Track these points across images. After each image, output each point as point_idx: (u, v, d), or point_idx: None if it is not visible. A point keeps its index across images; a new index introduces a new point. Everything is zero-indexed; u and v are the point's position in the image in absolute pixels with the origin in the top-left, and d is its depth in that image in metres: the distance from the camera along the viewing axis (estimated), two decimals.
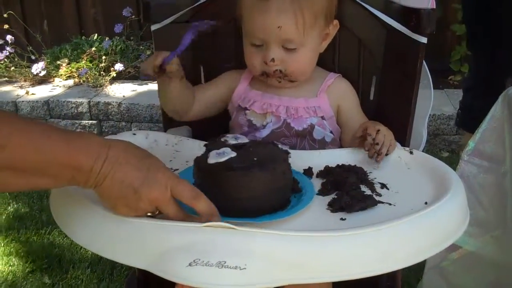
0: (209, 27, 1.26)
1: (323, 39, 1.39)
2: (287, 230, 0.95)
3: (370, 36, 1.41)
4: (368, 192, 1.12)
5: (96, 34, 4.47)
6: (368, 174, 1.19)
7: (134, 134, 1.32)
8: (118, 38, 4.35)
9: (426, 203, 1.07)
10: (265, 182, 1.04)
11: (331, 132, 1.42)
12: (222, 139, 1.11)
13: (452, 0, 3.83)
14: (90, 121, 3.89)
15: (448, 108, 3.47)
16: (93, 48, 4.13)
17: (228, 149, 1.06)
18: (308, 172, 1.19)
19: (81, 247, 2.53)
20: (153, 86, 4.14)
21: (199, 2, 1.47)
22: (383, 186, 1.15)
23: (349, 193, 1.09)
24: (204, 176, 1.05)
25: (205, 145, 1.12)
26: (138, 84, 4.14)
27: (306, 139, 1.39)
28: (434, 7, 1.30)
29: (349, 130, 1.40)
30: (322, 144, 1.40)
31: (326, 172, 1.19)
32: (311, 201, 1.08)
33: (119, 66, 4.04)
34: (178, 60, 1.29)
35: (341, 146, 1.42)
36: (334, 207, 1.07)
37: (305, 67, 1.37)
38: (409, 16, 1.31)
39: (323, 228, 0.99)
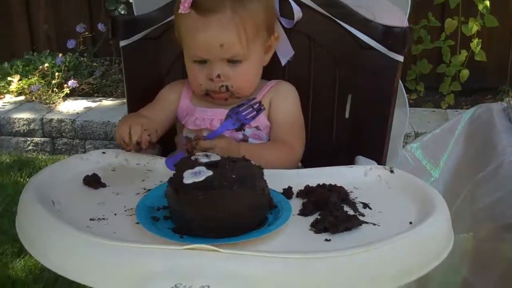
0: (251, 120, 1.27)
1: (266, 51, 1.37)
2: (273, 252, 0.91)
3: (346, 54, 1.39)
4: (351, 212, 1.09)
5: (48, 50, 4.37)
6: (349, 193, 1.16)
7: (104, 152, 1.26)
8: (71, 54, 4.26)
9: (410, 223, 1.04)
10: (246, 200, 1.00)
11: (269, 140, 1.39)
12: (193, 158, 1.07)
13: (408, 19, 3.88)
14: (43, 139, 3.79)
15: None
16: (46, 64, 4.03)
17: (203, 168, 1.02)
18: (287, 191, 1.15)
19: (36, 267, 2.45)
20: (109, 103, 4.07)
21: (170, 18, 1.42)
22: (366, 205, 1.12)
23: (333, 213, 1.05)
24: (181, 197, 1.00)
25: (175, 165, 1.08)
26: (92, 101, 4.06)
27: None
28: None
29: (276, 125, 1.38)
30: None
31: (306, 192, 1.15)
32: (289, 217, 1.05)
33: (72, 83, 3.95)
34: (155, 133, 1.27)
35: None
36: (317, 227, 1.03)
37: (251, 81, 1.36)
38: (386, 34, 1.31)
39: (307, 249, 0.96)
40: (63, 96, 4.01)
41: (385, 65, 1.31)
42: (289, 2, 1.37)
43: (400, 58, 1.29)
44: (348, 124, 1.42)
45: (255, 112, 1.25)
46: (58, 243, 0.97)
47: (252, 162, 1.08)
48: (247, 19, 1.27)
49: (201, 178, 0.99)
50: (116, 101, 4.08)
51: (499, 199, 1.41)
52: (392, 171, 1.21)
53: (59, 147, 3.80)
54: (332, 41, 1.39)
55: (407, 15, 1.34)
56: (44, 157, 3.72)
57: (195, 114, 1.38)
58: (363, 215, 1.08)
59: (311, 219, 1.07)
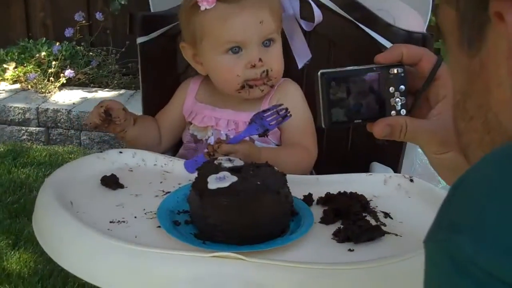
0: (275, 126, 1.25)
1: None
2: (299, 262, 0.90)
3: (365, 58, 1.37)
4: (372, 221, 1.08)
5: (44, 38, 4.32)
6: (369, 201, 1.15)
7: (121, 152, 1.25)
8: (67, 43, 4.21)
9: None
10: (271, 207, 1.00)
11: (277, 145, 1.38)
12: (216, 162, 1.06)
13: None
14: (38, 128, 3.74)
15: None
16: (43, 53, 3.98)
17: (227, 173, 1.01)
18: (308, 198, 1.14)
19: (31, 260, 2.42)
20: (104, 94, 4.03)
21: None
22: (386, 215, 1.11)
23: (356, 223, 1.04)
24: (206, 202, 0.99)
25: (197, 169, 1.07)
26: (88, 92, 4.02)
27: None
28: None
29: (290, 129, 1.36)
30: None
31: (327, 199, 1.14)
32: (312, 225, 1.04)
33: (69, 73, 3.90)
34: (122, 106, 1.30)
35: None
36: (340, 236, 1.02)
37: (282, 63, 1.34)
38: (407, 39, 1.29)
39: (331, 259, 0.96)
40: (59, 86, 3.97)
41: None
42: (310, 4, 1.36)
43: None
44: (364, 130, 1.40)
45: (280, 118, 1.23)
46: (79, 246, 0.96)
47: (275, 168, 1.07)
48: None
49: (226, 184, 0.98)
50: (113, 92, 4.04)
51: None
52: (412, 180, 1.20)
53: (54, 137, 3.76)
54: (352, 45, 1.38)
55: (427, 21, 1.33)
56: (39, 147, 3.68)
57: (204, 111, 1.38)
58: (384, 224, 1.08)
59: (332, 227, 1.06)
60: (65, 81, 3.96)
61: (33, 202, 3.01)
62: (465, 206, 0.46)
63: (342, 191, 1.15)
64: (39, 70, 4.00)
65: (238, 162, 1.06)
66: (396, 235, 1.05)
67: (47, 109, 3.70)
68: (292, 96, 1.39)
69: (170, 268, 0.89)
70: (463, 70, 0.56)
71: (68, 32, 4.10)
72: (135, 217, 1.06)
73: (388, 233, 1.04)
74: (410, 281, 0.91)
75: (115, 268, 0.92)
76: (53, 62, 3.96)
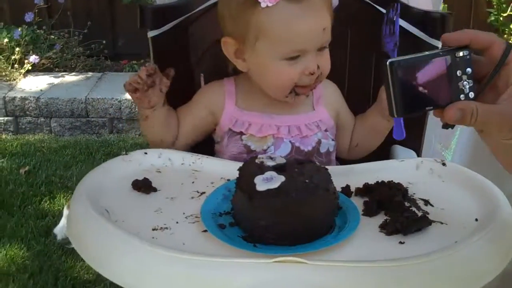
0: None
1: None
2: (359, 261, 0.89)
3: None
4: (413, 209, 1.07)
5: (1, 23, 4.17)
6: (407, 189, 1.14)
7: (146, 153, 1.21)
8: (26, 27, 4.08)
9: (476, 219, 1.03)
10: (322, 205, 0.99)
11: (332, 140, 1.36)
12: (257, 161, 1.03)
13: None
14: (6, 118, 3.64)
15: None
16: (6, 40, 3.84)
17: (274, 173, 0.99)
18: (346, 190, 1.13)
19: (18, 256, 2.39)
20: (72, 78, 3.93)
21: (203, 7, 1.35)
22: (427, 202, 1.10)
23: (403, 214, 1.03)
24: (256, 204, 0.96)
25: (238, 169, 1.04)
26: (54, 77, 3.92)
27: (313, 156, 1.32)
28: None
29: (347, 132, 1.39)
30: (327, 156, 1.35)
31: (366, 190, 1.13)
32: (359, 220, 1.03)
33: (34, 58, 3.78)
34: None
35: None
36: (388, 229, 1.01)
37: (330, 66, 1.28)
38: (425, 20, 1.28)
39: (385, 253, 0.94)
40: (24, 73, 3.84)
41: (423, 51, 1.28)
42: None
43: (439, 44, 1.27)
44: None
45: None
46: (127, 258, 0.92)
47: (317, 163, 1.05)
48: (328, 1, 1.23)
49: (275, 185, 0.96)
50: (80, 76, 3.95)
51: None
52: (444, 164, 1.20)
53: (23, 126, 3.66)
54: (370, 28, 1.36)
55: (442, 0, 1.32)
56: (8, 137, 3.58)
57: (257, 120, 1.30)
58: (427, 213, 1.07)
59: (376, 219, 1.05)
60: (30, 68, 3.83)
61: (12, 195, 2.97)
62: None
63: (380, 181, 1.14)
64: (1, 57, 3.87)
65: (280, 160, 1.03)
66: (441, 223, 1.04)
67: (14, 97, 3.61)
68: (342, 101, 1.41)
69: (232, 276, 0.87)
70: None
71: (29, 17, 3.96)
72: (177, 222, 1.02)
73: (434, 221, 1.04)
74: (467, 269, 0.92)
75: (171, 280, 0.89)
76: (16, 49, 3.83)
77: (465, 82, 0.86)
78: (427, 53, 0.86)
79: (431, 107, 0.86)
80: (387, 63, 0.84)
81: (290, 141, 1.30)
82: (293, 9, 1.18)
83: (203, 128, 1.36)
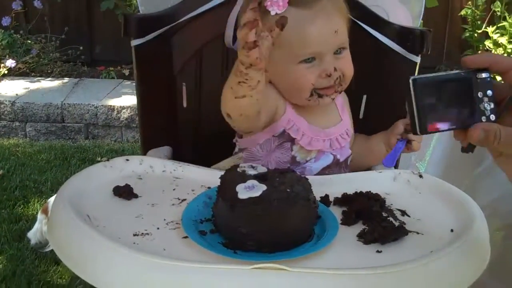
0: None
1: None
2: (340, 269, 0.91)
3: (363, 55, 1.39)
4: (392, 220, 1.10)
5: None
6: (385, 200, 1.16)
7: (127, 160, 1.21)
8: (3, 31, 4.05)
9: (452, 230, 1.06)
10: (303, 213, 1.00)
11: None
12: (239, 170, 1.05)
13: None
14: None
15: None
16: None
17: (255, 182, 1.00)
18: (325, 199, 1.15)
19: None
20: (49, 83, 3.91)
21: (186, 17, 1.36)
22: (403, 213, 1.13)
23: (381, 223, 1.06)
24: (238, 212, 0.98)
25: (220, 177, 1.05)
26: (30, 82, 3.89)
27: (343, 166, 1.35)
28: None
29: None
30: (347, 164, 1.38)
31: (344, 200, 1.15)
32: (338, 229, 1.04)
33: (10, 63, 3.76)
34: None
35: None
36: (366, 238, 1.03)
37: (353, 69, 1.29)
38: (405, 36, 1.31)
39: (363, 261, 0.96)
40: (0, 76, 3.82)
41: (402, 66, 1.31)
42: None
43: (417, 60, 1.30)
44: (361, 125, 1.42)
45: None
46: (108, 263, 0.92)
47: (298, 173, 1.07)
48: (343, 5, 1.25)
49: (257, 193, 0.97)
50: (56, 81, 3.93)
51: (502, 196, 1.45)
52: (421, 176, 1.23)
53: None
54: (351, 42, 1.38)
55: (421, 17, 1.35)
56: None
57: (308, 131, 1.31)
58: (404, 223, 1.09)
59: (355, 228, 1.07)
60: (6, 72, 3.81)
61: None
62: None
63: (358, 191, 1.16)
64: None
65: (261, 169, 1.05)
66: (418, 233, 1.06)
67: None
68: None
69: (211, 282, 0.88)
70: None
71: (6, 21, 3.93)
72: (158, 228, 1.03)
73: (410, 231, 1.06)
74: (441, 280, 0.94)
75: (152, 285, 0.90)
76: None
77: (486, 104, 0.86)
78: (449, 72, 0.87)
79: (453, 127, 0.87)
80: (410, 79, 0.84)
81: (331, 153, 1.33)
82: (303, 14, 1.21)
83: (270, 113, 1.30)
